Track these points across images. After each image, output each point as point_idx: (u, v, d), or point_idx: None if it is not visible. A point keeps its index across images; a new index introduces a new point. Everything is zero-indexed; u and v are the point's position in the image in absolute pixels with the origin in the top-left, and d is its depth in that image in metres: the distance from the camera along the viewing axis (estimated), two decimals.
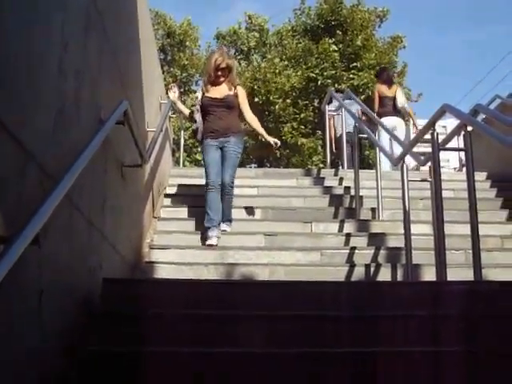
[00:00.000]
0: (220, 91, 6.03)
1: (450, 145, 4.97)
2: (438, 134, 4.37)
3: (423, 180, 4.63)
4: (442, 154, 4.47)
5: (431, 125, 4.57)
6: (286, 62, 19.44)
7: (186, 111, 6.57)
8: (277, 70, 18.55)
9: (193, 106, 6.31)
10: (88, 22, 3.30)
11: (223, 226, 5.84)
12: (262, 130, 6.34)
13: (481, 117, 5.28)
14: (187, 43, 21.80)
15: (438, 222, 4.37)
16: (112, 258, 4.08)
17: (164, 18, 21.62)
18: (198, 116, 6.03)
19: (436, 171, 4.38)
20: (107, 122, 3.41)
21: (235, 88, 6.09)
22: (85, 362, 2.98)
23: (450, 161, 23.22)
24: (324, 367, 3.04)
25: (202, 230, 5.75)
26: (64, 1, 2.84)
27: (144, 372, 2.93)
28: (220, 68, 5.96)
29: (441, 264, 4.31)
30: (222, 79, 6.02)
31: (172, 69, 21.27)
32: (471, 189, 4.21)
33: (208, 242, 5.53)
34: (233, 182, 5.85)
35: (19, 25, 2.24)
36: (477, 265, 4.15)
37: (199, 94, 6.21)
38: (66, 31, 2.84)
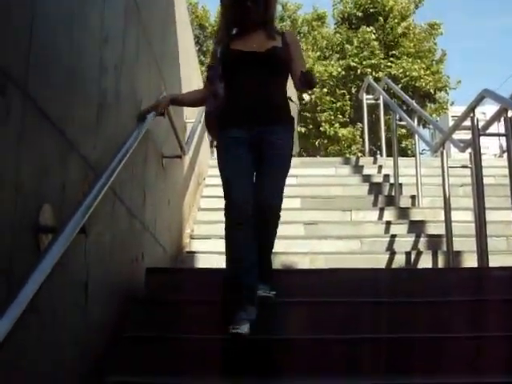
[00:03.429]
0: (255, 41, 3.41)
1: (490, 130, 4.92)
2: (477, 119, 4.33)
3: (464, 166, 4.59)
4: (482, 141, 4.42)
5: (471, 110, 4.53)
6: (318, 53, 19.34)
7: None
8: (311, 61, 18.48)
9: (209, 67, 3.55)
10: (126, 14, 3.34)
11: (262, 292, 3.35)
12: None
13: None
14: None
15: (479, 209, 4.34)
16: (153, 248, 4.14)
17: (195, 8, 21.63)
18: (220, 87, 3.42)
19: (476, 157, 4.34)
20: (147, 115, 3.45)
21: (282, 35, 3.48)
22: (127, 348, 3.05)
23: (490, 148, 22.89)
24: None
25: None
26: None
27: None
28: None
29: (482, 250, 4.27)
30: (253, 16, 3.39)
31: (205, 59, 21.32)
32: None
33: (234, 330, 3.02)
34: (280, 205, 3.33)
35: (61, 22, 2.30)
36: None
37: (218, 49, 3.48)
38: (105, 25, 2.89)
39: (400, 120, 7.08)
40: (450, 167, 4.79)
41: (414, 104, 7.22)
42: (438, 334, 3.21)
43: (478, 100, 4.55)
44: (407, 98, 7.55)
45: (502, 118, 4.30)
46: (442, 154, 4.89)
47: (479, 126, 4.40)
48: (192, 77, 6.48)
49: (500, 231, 5.19)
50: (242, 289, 3.19)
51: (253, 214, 3.19)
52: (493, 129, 5.07)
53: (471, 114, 4.45)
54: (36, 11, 2.02)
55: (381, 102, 8.55)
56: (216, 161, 3.46)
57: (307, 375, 2.98)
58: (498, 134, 4.48)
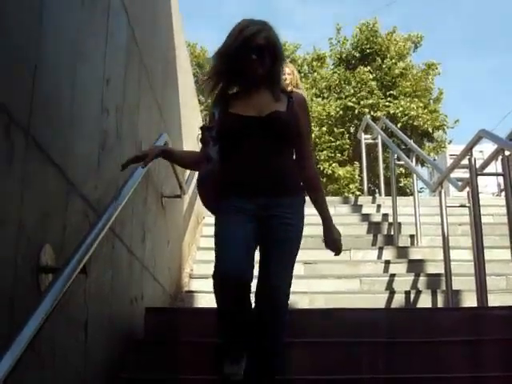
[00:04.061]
0: (256, 102, 2.91)
1: (487, 170, 4.96)
2: (475, 159, 4.38)
3: (462, 206, 4.62)
4: (480, 180, 4.46)
5: (468, 150, 4.58)
6: (316, 91, 19.55)
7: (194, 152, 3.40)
8: (313, 103, 18.65)
9: (206, 129, 3.01)
10: (128, 56, 3.40)
11: None
12: (326, 207, 3.03)
13: None
14: None
15: (478, 248, 4.35)
16: (153, 288, 4.14)
17: (194, 48, 21.86)
18: (213, 151, 2.93)
19: (474, 197, 4.37)
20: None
21: (289, 97, 2.97)
22: None
23: (488, 186, 22.99)
24: None
25: None
26: (106, 38, 2.94)
27: None
28: (254, 45, 2.82)
29: (481, 289, 4.28)
30: (258, 70, 2.86)
31: (203, 97, 21.45)
32: (510, 213, 4.19)
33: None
34: (289, 291, 2.87)
35: (64, 63, 2.34)
36: None
37: (215, 111, 2.99)
38: (107, 67, 2.94)
39: (398, 159, 7.13)
40: (449, 206, 4.82)
41: (412, 143, 7.29)
42: (437, 374, 3.20)
43: (476, 140, 4.61)
44: (405, 137, 7.61)
45: (500, 158, 4.35)
46: (440, 193, 4.92)
47: (477, 166, 4.44)
48: (191, 117, 6.55)
49: (499, 270, 5.19)
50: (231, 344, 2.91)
51: (248, 305, 2.81)
52: (490, 168, 5.12)
53: (469, 154, 4.50)
54: (40, 53, 2.06)
55: (379, 141, 8.63)
56: None
57: None
58: (496, 174, 4.53)
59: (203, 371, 3.18)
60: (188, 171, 5.68)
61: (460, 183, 4.94)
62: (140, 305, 3.70)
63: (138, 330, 3.67)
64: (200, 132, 3.05)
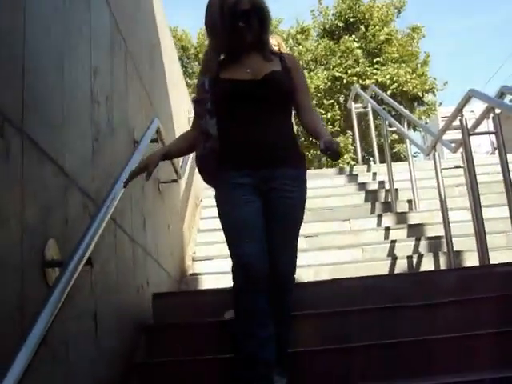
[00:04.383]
0: (249, 66, 2.82)
1: (479, 129, 4.98)
2: (466, 119, 4.40)
3: (457, 167, 4.64)
4: (473, 139, 4.48)
5: (459, 111, 4.60)
6: (303, 65, 19.51)
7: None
8: None
9: (196, 102, 2.89)
10: (112, 46, 3.39)
11: (277, 379, 2.79)
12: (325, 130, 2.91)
13: (508, 98, 5.28)
14: None
15: (476, 207, 4.39)
16: (157, 273, 4.17)
17: (175, 31, 21.74)
18: (210, 125, 2.79)
19: (468, 157, 4.40)
20: (141, 142, 3.50)
21: (282, 57, 2.91)
22: (140, 374, 3.07)
23: (481, 145, 23.03)
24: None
25: None
26: (90, 29, 2.94)
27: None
28: (239, 11, 2.72)
29: (482, 248, 4.32)
30: (247, 37, 2.78)
31: (191, 80, 21.40)
32: (505, 171, 4.22)
33: None
34: (295, 268, 2.92)
35: (51, 58, 2.34)
36: None
37: (205, 79, 2.83)
38: (93, 59, 2.94)
39: (390, 126, 7.15)
40: (444, 169, 4.85)
41: (403, 109, 7.30)
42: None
43: (465, 100, 4.62)
44: (395, 103, 7.62)
45: (491, 116, 4.37)
46: (434, 156, 4.95)
47: (468, 126, 4.46)
48: (181, 102, 6.55)
49: (499, 227, 5.23)
50: (257, 365, 2.67)
51: (264, 276, 2.69)
52: (482, 127, 5.14)
53: (460, 115, 4.52)
54: (26, 49, 2.06)
55: (369, 109, 8.63)
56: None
57: None
58: (488, 133, 4.55)
59: (215, 351, 3.23)
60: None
61: (453, 145, 4.96)
62: (146, 291, 3.73)
63: (147, 316, 3.71)
64: (194, 106, 2.91)
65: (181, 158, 5.61)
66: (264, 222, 2.74)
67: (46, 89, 2.26)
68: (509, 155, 7.13)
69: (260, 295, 2.67)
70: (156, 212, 4.26)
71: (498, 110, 4.21)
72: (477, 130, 4.78)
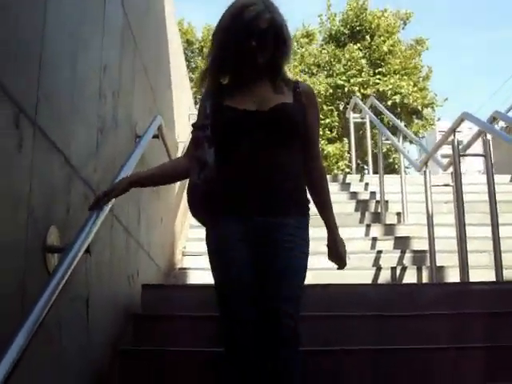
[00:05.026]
0: (258, 95, 2.48)
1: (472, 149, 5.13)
2: (458, 140, 4.54)
3: (445, 185, 4.78)
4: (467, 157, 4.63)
5: (451, 132, 4.74)
6: (301, 66, 19.62)
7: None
8: (299, 78, 18.75)
9: (197, 128, 2.56)
10: (123, 42, 3.51)
11: None
12: (333, 215, 2.72)
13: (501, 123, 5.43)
14: None
15: (461, 225, 4.53)
16: (148, 266, 4.29)
17: (181, 24, 21.76)
18: (209, 154, 2.46)
19: (457, 176, 4.54)
20: (143, 137, 3.62)
21: (295, 88, 2.54)
22: (126, 359, 3.20)
23: (475, 163, 23.22)
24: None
25: None
26: (103, 25, 3.05)
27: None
28: (256, 30, 2.38)
29: (463, 265, 4.46)
30: (258, 59, 2.42)
31: (193, 75, 21.46)
32: (491, 192, 4.37)
33: None
34: (298, 319, 2.35)
35: (66, 54, 2.46)
36: (498, 266, 4.30)
37: (207, 104, 2.53)
38: (104, 55, 3.06)
39: (386, 139, 7.27)
40: (433, 186, 4.98)
41: (400, 124, 7.44)
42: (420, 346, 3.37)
43: (458, 122, 4.76)
44: (393, 117, 7.74)
45: (482, 139, 4.52)
46: (425, 172, 5.09)
47: (461, 146, 4.61)
48: (183, 98, 6.66)
49: (483, 246, 5.36)
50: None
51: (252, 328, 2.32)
52: (475, 147, 5.28)
53: (452, 136, 4.66)
54: (45, 43, 2.18)
55: (367, 120, 8.77)
56: None
57: None
58: (477, 155, 4.70)
59: (198, 343, 3.35)
60: (180, 150, 5.81)
61: (445, 163, 5.10)
62: (137, 282, 3.86)
63: (136, 305, 3.83)
64: (192, 132, 2.61)
65: (178, 153, 5.73)
66: (256, 269, 2.37)
67: (59, 83, 2.38)
68: (503, 176, 7.35)
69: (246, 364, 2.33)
70: (151, 205, 4.38)
71: (488, 136, 4.36)
72: (469, 151, 4.93)
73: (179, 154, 5.71)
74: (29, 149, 2.03)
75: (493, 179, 4.40)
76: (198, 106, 2.63)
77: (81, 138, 2.68)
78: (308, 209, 2.53)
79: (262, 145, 2.39)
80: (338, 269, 2.59)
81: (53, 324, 2.23)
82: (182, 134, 6.16)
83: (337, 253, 2.58)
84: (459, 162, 4.53)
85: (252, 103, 2.44)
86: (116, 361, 3.16)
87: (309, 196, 2.58)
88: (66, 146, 2.44)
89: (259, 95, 2.46)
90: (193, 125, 2.58)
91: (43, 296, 1.87)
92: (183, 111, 6.74)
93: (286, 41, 2.47)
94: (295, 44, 21.32)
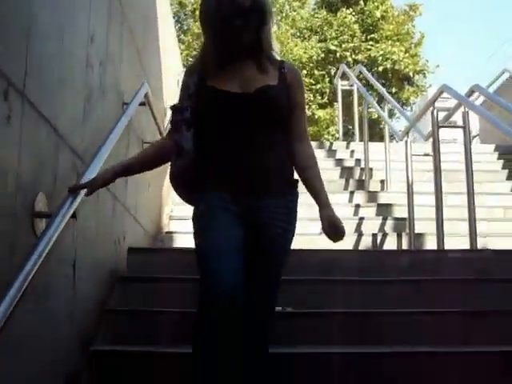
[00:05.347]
0: (240, 75, 2.42)
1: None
2: (437, 112, 4.66)
3: (426, 155, 4.92)
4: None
5: (431, 103, 4.86)
6: (293, 30, 19.57)
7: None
8: (291, 42, 18.71)
9: (175, 109, 2.50)
10: (110, 10, 3.57)
11: None
12: (324, 189, 2.59)
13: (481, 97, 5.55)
14: None
15: (438, 194, 4.68)
16: (134, 229, 4.42)
17: None
18: (185, 138, 2.41)
19: (436, 147, 4.68)
20: (130, 105, 3.72)
21: (281, 68, 2.49)
22: (111, 320, 3.35)
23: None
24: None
25: None
26: None
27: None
28: (241, 11, 2.33)
29: (439, 233, 4.62)
30: (244, 38, 2.37)
31: (185, 37, 21.35)
32: (468, 162, 4.51)
33: None
34: (274, 306, 2.53)
35: (54, 26, 2.55)
36: (472, 234, 4.46)
37: (190, 83, 2.47)
38: (91, 24, 3.14)
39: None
40: (414, 155, 5.12)
41: (386, 93, 7.53)
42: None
43: (438, 94, 4.89)
44: (379, 86, 7.85)
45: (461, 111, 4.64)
46: (406, 142, 5.22)
47: (440, 118, 4.74)
48: (172, 64, 6.72)
49: (462, 214, 5.51)
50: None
51: (236, 309, 2.20)
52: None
53: (432, 107, 4.78)
54: (32, 15, 2.27)
55: (354, 89, 8.85)
56: None
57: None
58: (456, 126, 4.82)
59: (183, 305, 3.49)
60: (168, 116, 5.88)
61: (425, 134, 5.24)
62: (123, 245, 3.99)
63: (122, 268, 3.97)
64: (171, 113, 2.55)
65: (166, 118, 5.81)
66: (243, 250, 2.31)
67: (46, 55, 2.47)
68: (484, 146, 7.50)
69: (228, 335, 2.20)
70: None
71: (466, 107, 4.48)
72: (447, 123, 5.04)
73: (167, 120, 5.80)
74: (17, 120, 2.14)
75: (470, 150, 4.53)
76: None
77: (68, 108, 2.78)
78: (295, 185, 2.51)
79: (245, 127, 2.35)
80: (334, 241, 2.48)
81: (41, 285, 2.36)
82: (170, 100, 6.23)
83: (335, 228, 2.45)
84: (438, 133, 4.66)
85: (236, 84, 2.39)
86: (103, 320, 3.30)
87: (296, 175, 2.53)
88: (54, 116, 2.55)
89: (244, 75, 2.41)
90: (171, 107, 2.53)
91: (31, 258, 2.00)
92: (172, 76, 6.79)
93: (269, 20, 2.41)
94: (287, 7, 21.25)
